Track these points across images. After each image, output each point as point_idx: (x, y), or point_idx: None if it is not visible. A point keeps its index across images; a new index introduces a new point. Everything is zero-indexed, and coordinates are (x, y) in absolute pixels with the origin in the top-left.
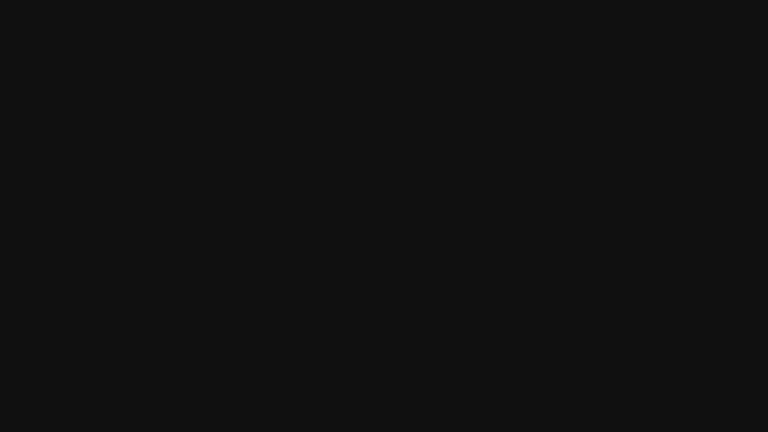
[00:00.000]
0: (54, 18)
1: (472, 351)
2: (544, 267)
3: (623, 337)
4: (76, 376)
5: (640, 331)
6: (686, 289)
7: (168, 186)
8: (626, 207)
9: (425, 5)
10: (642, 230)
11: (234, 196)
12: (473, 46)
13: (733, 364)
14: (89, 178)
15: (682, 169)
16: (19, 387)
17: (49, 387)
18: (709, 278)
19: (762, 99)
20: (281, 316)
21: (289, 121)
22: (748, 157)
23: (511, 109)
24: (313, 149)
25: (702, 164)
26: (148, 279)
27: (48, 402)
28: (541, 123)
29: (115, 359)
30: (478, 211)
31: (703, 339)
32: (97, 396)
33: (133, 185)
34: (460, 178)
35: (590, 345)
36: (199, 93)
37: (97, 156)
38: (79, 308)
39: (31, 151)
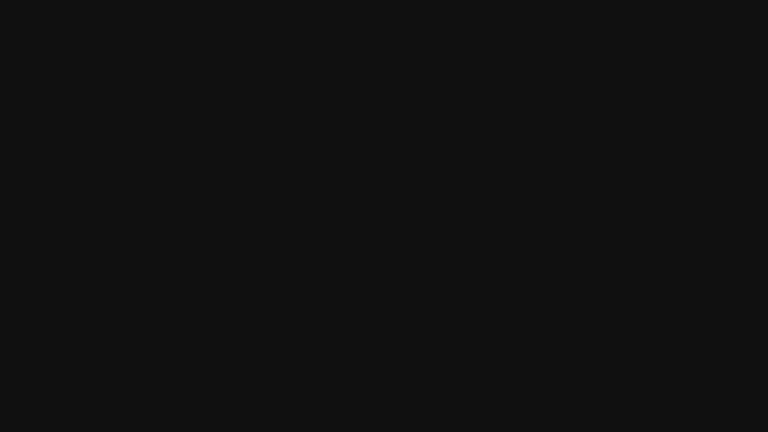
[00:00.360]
0: (54, 18)
1: (472, 351)
2: (544, 267)
3: (623, 337)
4: (76, 376)
5: (641, 331)
6: (686, 289)
7: (168, 186)
8: (626, 207)
9: (425, 5)
10: (642, 230)
11: (234, 196)
12: (473, 46)
13: (733, 364)
14: (89, 178)
15: (682, 169)
16: (19, 387)
17: (49, 387)
18: (709, 278)
19: (762, 99)
20: (281, 316)
21: (289, 121)
22: (748, 157)
23: (510, 110)
24: (313, 149)
25: (702, 164)
26: (148, 279)
27: (48, 402)
28: (541, 123)
29: (115, 359)
30: (478, 211)
31: (703, 339)
32: (97, 396)
33: (133, 185)
34: (460, 178)
35: (590, 345)
36: (199, 93)
37: (97, 156)
38: (79, 308)
39: (31, 151)
